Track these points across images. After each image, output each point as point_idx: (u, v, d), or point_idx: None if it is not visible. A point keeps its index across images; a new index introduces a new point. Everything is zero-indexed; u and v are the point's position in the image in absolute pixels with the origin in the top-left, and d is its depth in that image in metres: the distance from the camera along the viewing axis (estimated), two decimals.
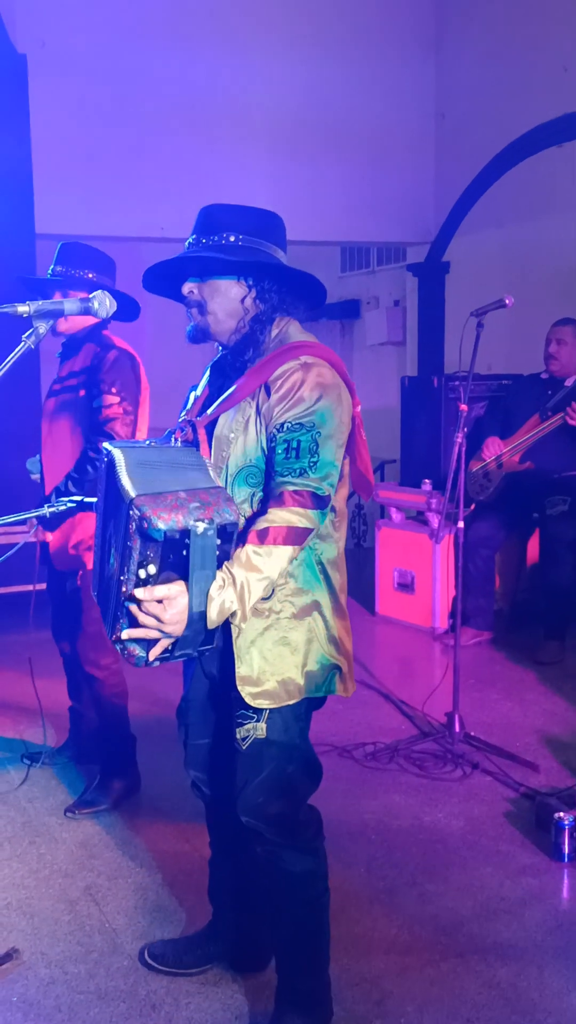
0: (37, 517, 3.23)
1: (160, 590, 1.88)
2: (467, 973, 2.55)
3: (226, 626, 2.11)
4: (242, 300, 2.13)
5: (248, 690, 2.09)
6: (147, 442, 2.16)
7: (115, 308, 2.23)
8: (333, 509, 2.15)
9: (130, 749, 3.59)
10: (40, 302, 2.10)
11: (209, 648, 2.02)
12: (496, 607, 5.52)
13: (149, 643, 1.95)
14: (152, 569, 1.87)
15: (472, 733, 3.95)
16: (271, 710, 2.11)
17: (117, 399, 3.26)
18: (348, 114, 7.37)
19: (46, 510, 2.47)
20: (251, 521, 2.03)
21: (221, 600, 1.92)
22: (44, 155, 6.11)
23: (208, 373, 2.31)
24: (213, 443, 2.13)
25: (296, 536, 2.00)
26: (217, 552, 1.90)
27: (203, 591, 1.90)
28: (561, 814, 3.09)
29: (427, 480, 5.68)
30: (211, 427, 2.15)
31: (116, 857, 3.17)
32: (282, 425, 2.03)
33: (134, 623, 1.92)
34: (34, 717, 4.33)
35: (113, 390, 3.26)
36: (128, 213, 6.74)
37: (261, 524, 1.99)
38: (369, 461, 2.27)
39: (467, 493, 4.22)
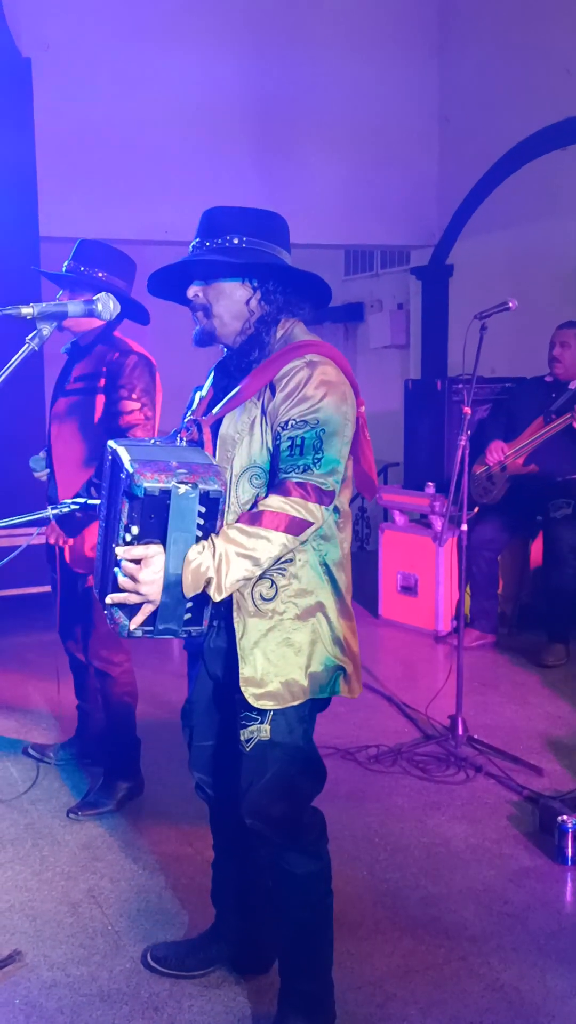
0: (57, 522, 3.25)
1: (137, 550, 1.91)
2: (470, 976, 2.55)
3: (230, 627, 2.11)
4: (247, 302, 2.14)
5: (252, 691, 2.09)
6: (152, 441, 2.17)
7: (119, 310, 2.23)
8: (337, 510, 2.15)
9: (135, 751, 3.59)
10: (44, 304, 2.11)
11: (197, 629, 2.02)
12: (499, 610, 5.52)
13: (133, 611, 1.96)
14: (135, 530, 1.92)
15: (475, 736, 3.94)
16: (275, 712, 2.11)
17: (138, 405, 3.28)
18: (352, 117, 7.38)
19: (49, 512, 2.47)
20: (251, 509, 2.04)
21: (197, 564, 1.92)
22: (48, 158, 6.13)
23: (213, 374, 2.32)
24: (218, 443, 2.14)
25: (293, 526, 1.99)
26: (201, 521, 1.93)
27: (180, 553, 1.92)
28: (564, 817, 3.08)
29: (430, 483, 5.67)
30: (216, 427, 2.15)
31: (119, 859, 3.17)
32: (287, 422, 2.03)
33: (116, 587, 1.95)
34: (39, 718, 4.34)
35: (134, 396, 3.27)
36: (132, 215, 6.75)
37: (258, 507, 2.00)
38: (373, 461, 2.27)
39: (471, 496, 4.21)
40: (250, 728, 2.13)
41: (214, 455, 2.12)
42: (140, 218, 6.78)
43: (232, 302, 2.14)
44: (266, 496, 2.03)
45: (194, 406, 2.30)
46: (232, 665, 2.13)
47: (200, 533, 1.94)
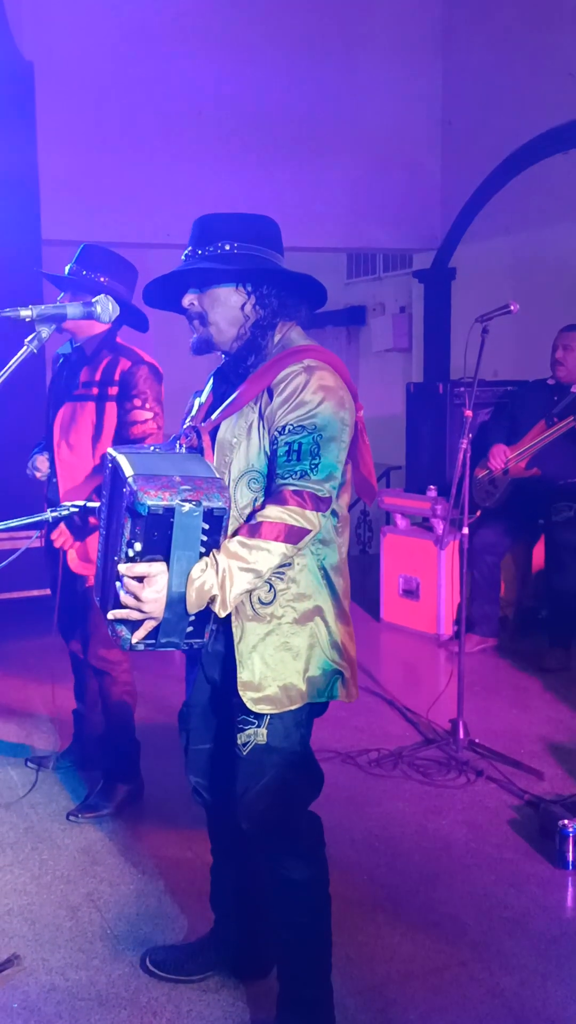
0: (67, 525, 3.26)
1: (141, 567, 1.91)
2: (470, 982, 2.54)
3: (228, 631, 2.11)
4: (242, 307, 2.14)
5: (250, 695, 2.08)
6: (151, 448, 2.16)
7: (118, 312, 2.23)
8: (335, 514, 2.14)
9: (134, 753, 3.59)
10: (43, 306, 2.11)
11: (199, 642, 2.02)
12: (501, 614, 5.51)
13: (135, 625, 1.96)
14: (138, 547, 1.90)
15: (476, 740, 3.93)
16: (272, 716, 2.11)
17: (151, 415, 3.30)
18: (355, 120, 7.39)
19: (49, 515, 2.47)
20: (250, 519, 2.03)
21: (201, 582, 1.92)
22: (50, 161, 6.14)
23: (212, 380, 2.32)
24: (216, 448, 2.14)
25: (292, 535, 1.99)
26: (204, 538, 1.92)
27: (183, 571, 1.91)
28: (565, 822, 3.07)
29: (432, 486, 5.67)
30: (215, 433, 2.15)
31: (118, 863, 3.16)
32: (284, 427, 2.03)
33: (118, 602, 1.95)
34: (39, 722, 4.33)
35: (147, 405, 3.30)
36: (134, 219, 6.76)
37: (256, 519, 2.00)
38: (372, 466, 2.26)
39: (472, 499, 4.21)
40: (247, 732, 2.12)
41: (212, 461, 2.12)
42: (143, 221, 6.79)
43: (227, 308, 2.14)
44: (263, 505, 2.03)
45: (193, 412, 2.30)
46: (230, 669, 2.12)
47: (203, 549, 1.93)
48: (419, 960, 2.63)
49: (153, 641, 1.98)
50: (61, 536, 3.34)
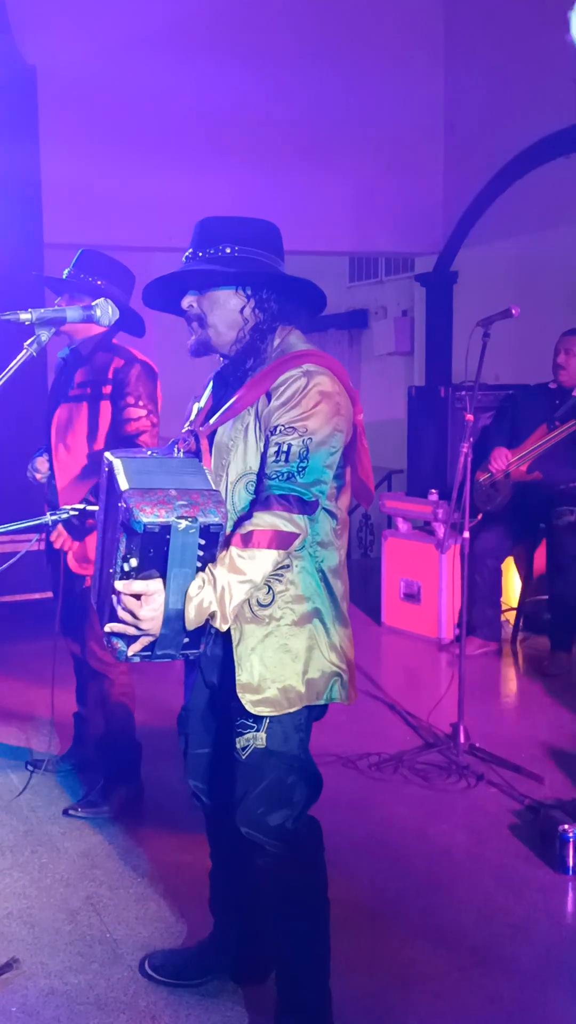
0: (65, 526, 3.27)
1: (138, 585, 1.90)
2: (470, 987, 2.53)
3: (226, 634, 2.10)
4: (241, 310, 2.14)
5: (248, 698, 2.08)
6: (148, 452, 2.16)
7: (117, 315, 2.24)
8: (335, 517, 2.14)
9: (135, 756, 3.58)
10: (42, 310, 2.12)
11: (195, 652, 2.01)
12: (502, 618, 5.50)
13: (130, 638, 1.96)
14: (134, 562, 1.89)
15: (477, 744, 3.92)
16: (271, 720, 2.10)
17: (144, 412, 3.31)
18: (357, 124, 7.40)
19: (48, 518, 2.47)
20: (238, 525, 2.03)
21: (199, 600, 1.92)
22: (53, 164, 6.14)
23: (211, 384, 2.32)
24: (214, 451, 2.14)
25: (281, 540, 1.99)
26: (201, 553, 1.90)
27: (181, 589, 1.91)
28: (566, 826, 3.07)
29: (434, 490, 5.66)
30: (213, 436, 2.15)
31: (118, 867, 3.16)
32: (276, 428, 2.04)
33: (115, 617, 1.94)
34: (40, 725, 4.33)
35: (140, 403, 3.31)
36: (136, 222, 6.77)
37: (246, 528, 1.99)
38: (370, 469, 2.26)
39: (474, 503, 4.21)
40: (246, 736, 2.12)
41: (210, 464, 2.11)
42: (145, 225, 6.80)
43: (226, 311, 2.14)
44: (250, 513, 2.03)
45: (192, 416, 2.30)
46: (228, 672, 2.12)
47: (200, 564, 1.93)
48: (419, 965, 2.62)
49: (149, 653, 1.98)
50: (60, 537, 3.35)
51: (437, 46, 7.68)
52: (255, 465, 2.08)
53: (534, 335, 6.13)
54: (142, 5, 6.62)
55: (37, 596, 5.33)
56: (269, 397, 2.07)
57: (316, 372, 2.07)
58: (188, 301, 2.17)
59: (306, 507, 2.03)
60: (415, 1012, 2.43)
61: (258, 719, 2.10)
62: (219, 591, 1.93)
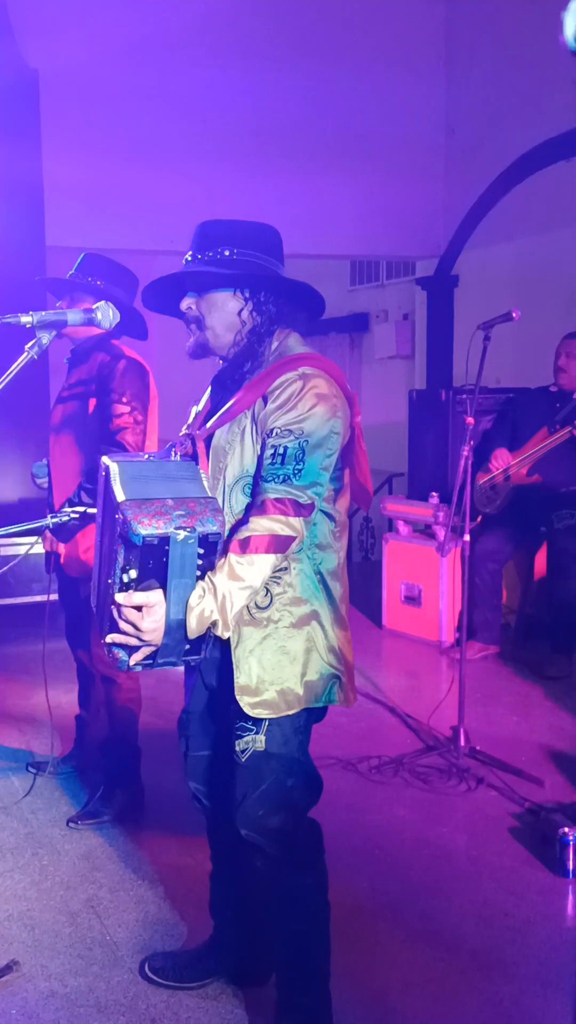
0: (50, 528, 3.25)
1: (138, 597, 1.90)
2: (470, 990, 2.53)
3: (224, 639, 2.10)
4: (239, 313, 2.15)
5: (247, 700, 2.08)
6: (145, 456, 2.16)
7: (118, 318, 2.24)
8: (333, 519, 2.15)
9: (134, 761, 3.58)
10: (43, 313, 2.12)
11: (196, 658, 2.02)
12: (503, 621, 5.50)
13: (131, 648, 1.96)
14: (133, 574, 1.88)
15: (477, 747, 3.92)
16: (270, 722, 2.11)
17: (128, 408, 3.27)
18: (358, 128, 7.41)
19: (49, 521, 2.47)
20: (234, 530, 2.03)
21: (200, 609, 1.93)
22: (55, 167, 6.16)
23: (210, 388, 2.32)
24: (211, 454, 2.14)
25: (279, 544, 2.00)
26: (200, 562, 1.90)
27: (182, 599, 1.91)
28: (566, 829, 3.07)
29: (434, 493, 5.67)
30: (210, 440, 2.15)
31: (118, 870, 3.16)
32: (272, 430, 2.04)
33: (115, 627, 1.94)
34: (41, 727, 4.33)
35: (124, 399, 3.27)
36: (138, 225, 6.78)
37: (243, 533, 1.99)
38: (368, 472, 2.26)
39: (474, 505, 4.21)
40: (245, 739, 2.12)
41: (207, 467, 2.12)
42: (146, 227, 6.81)
43: (224, 313, 2.15)
44: (246, 517, 2.03)
45: (190, 420, 2.30)
46: (227, 675, 2.12)
47: (199, 573, 1.93)
48: (419, 968, 2.62)
49: (151, 662, 1.98)
50: (47, 539, 3.35)
51: (438, 50, 7.70)
52: (252, 468, 2.09)
53: (535, 338, 6.14)
54: (144, 9, 6.64)
55: (37, 598, 5.34)
56: (266, 400, 2.08)
57: (312, 375, 2.07)
58: (187, 303, 2.17)
59: (302, 510, 2.03)
60: (415, 1014, 2.43)
61: (257, 722, 2.11)
62: (220, 600, 1.94)
